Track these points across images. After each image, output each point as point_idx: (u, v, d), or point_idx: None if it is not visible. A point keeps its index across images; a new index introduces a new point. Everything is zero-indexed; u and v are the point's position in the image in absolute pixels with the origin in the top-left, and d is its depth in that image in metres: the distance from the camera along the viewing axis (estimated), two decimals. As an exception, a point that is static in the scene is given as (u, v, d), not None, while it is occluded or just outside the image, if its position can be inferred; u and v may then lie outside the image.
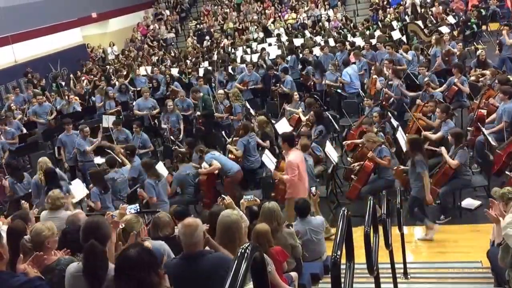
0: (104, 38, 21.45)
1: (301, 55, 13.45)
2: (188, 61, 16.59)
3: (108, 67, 17.88)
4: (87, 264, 3.02)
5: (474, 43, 13.30)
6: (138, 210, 5.91)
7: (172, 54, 19.30)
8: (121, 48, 21.23)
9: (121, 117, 11.21)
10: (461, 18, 15.27)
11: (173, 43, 21.46)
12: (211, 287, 3.11)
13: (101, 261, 3.00)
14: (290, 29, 18.71)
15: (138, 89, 12.83)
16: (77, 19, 19.52)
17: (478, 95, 8.69)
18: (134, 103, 11.74)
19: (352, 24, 17.82)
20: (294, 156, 6.19)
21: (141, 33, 22.14)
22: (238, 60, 14.78)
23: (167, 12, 23.39)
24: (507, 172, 6.55)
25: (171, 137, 9.84)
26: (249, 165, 8.17)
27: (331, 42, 14.29)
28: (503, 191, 4.53)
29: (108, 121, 10.31)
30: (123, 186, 7.43)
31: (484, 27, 15.05)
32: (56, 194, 5.45)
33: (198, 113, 10.74)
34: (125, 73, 15.07)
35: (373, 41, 13.24)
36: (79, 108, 11.97)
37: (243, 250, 1.92)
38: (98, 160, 8.56)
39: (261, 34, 18.58)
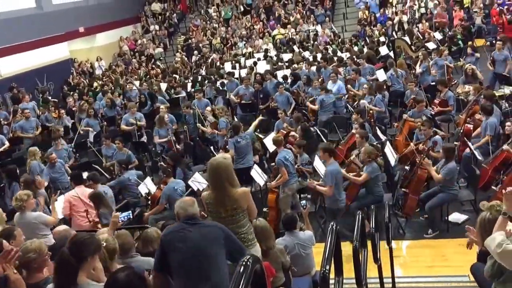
0: (91, 52, 21.40)
1: (289, 70, 13.55)
2: (176, 76, 16.60)
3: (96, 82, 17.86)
4: (58, 276, 2.97)
5: (461, 59, 13.48)
6: (131, 217, 5.84)
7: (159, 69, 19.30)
8: (108, 62, 21.20)
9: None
10: (447, 34, 15.50)
11: (161, 58, 21.49)
12: (209, 248, 3.40)
13: (73, 274, 2.95)
14: (278, 44, 18.88)
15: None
16: (64, 34, 19.46)
17: (464, 110, 8.80)
18: (122, 118, 11.71)
19: (340, 40, 18.01)
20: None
21: (128, 47, 22.17)
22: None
23: (156, 27, 23.47)
24: (493, 187, 6.61)
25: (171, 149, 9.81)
26: (239, 165, 8.19)
27: (320, 58, 14.42)
28: (491, 204, 4.55)
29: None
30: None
31: (470, 43, 15.28)
32: (21, 196, 5.65)
33: (185, 127, 10.71)
34: (112, 88, 15.09)
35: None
36: (69, 123, 11.94)
37: (244, 262, 1.97)
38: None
39: (250, 50, 18.68)
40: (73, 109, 13.35)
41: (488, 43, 15.28)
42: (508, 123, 7.11)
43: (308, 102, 10.97)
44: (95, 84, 17.59)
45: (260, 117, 9.76)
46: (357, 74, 11.26)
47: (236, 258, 3.50)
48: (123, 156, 9.08)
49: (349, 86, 11.18)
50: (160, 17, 24.06)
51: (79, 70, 20.06)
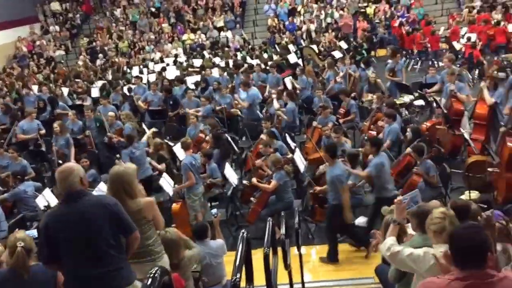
0: (-19, 54, 19.71)
1: (199, 76, 13.40)
2: (79, 81, 15.72)
3: None
4: None
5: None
6: (35, 236, 5.37)
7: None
8: (2, 65, 19.61)
9: None
10: (352, 44, 16.23)
11: (62, 61, 20.30)
12: (92, 225, 3.15)
13: None
14: (188, 50, 18.67)
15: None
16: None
17: (368, 117, 9.21)
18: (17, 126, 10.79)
19: (250, 47, 18.20)
20: None
21: (26, 49, 20.71)
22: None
23: (56, 27, 22.16)
24: (395, 192, 6.91)
25: (59, 161, 9.14)
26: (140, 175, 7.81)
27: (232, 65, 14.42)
28: (391, 208, 4.73)
29: None
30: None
31: (373, 53, 16.13)
32: None
33: (88, 132, 10.14)
34: (6, 92, 13.98)
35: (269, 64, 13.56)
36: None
37: (152, 275, 2.02)
38: None
39: (158, 54, 18.25)
40: None
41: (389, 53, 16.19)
42: (408, 129, 7.52)
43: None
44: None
45: (153, 129, 9.37)
46: (246, 86, 11.07)
47: (124, 233, 3.32)
48: (18, 166, 8.44)
49: (236, 95, 11.15)
50: (61, 17, 22.78)
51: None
